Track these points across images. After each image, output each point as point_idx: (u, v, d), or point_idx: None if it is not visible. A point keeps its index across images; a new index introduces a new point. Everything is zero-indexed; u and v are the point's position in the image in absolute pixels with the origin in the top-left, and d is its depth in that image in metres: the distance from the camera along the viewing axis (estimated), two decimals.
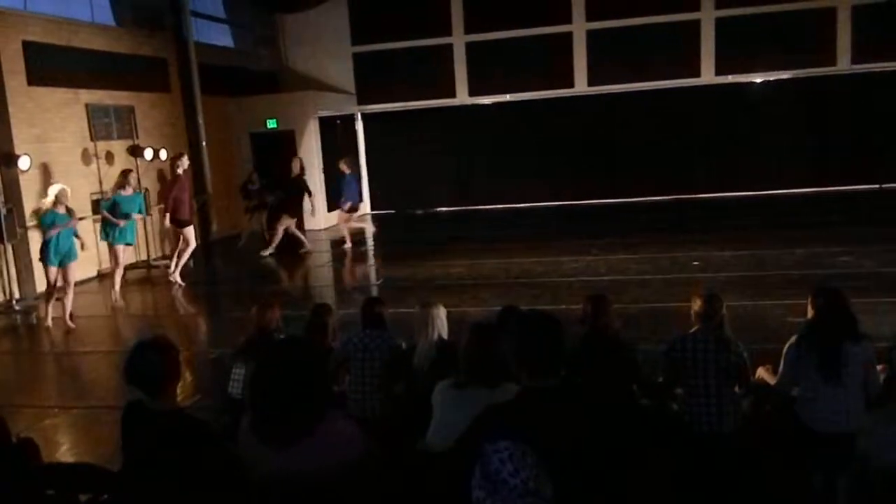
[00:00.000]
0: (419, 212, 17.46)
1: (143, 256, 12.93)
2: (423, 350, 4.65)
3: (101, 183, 12.06)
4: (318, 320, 4.98)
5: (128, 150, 12.74)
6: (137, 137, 12.97)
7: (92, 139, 12.07)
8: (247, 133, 15.74)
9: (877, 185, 15.43)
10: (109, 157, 12.44)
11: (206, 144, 14.13)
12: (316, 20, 17.12)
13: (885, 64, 14.92)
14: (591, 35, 15.97)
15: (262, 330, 4.79)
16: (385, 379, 4.58)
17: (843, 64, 15.15)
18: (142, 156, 12.63)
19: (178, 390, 3.27)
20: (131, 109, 12.97)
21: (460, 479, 2.14)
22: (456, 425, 2.71)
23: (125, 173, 10.47)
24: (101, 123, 12.27)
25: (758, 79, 15.76)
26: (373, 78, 17.17)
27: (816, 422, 4.04)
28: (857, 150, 15.38)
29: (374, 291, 9.90)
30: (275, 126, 15.59)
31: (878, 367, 4.11)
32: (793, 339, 4.27)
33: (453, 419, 3.11)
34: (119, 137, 12.69)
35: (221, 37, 16.85)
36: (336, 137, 16.60)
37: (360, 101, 17.39)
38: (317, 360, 2.45)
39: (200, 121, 14.08)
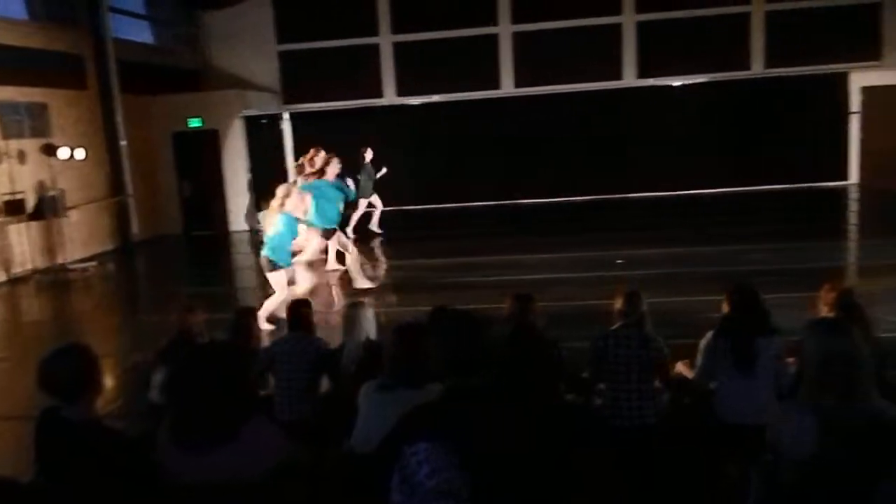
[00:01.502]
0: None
1: (59, 260, 12.47)
2: (350, 351, 4.63)
3: (12, 182, 11.58)
4: (241, 323, 4.90)
5: (41, 148, 12.25)
6: (52, 136, 12.49)
7: (3, 137, 11.57)
8: (169, 132, 15.34)
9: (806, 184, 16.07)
10: (21, 155, 11.95)
11: (126, 144, 13.74)
12: (239, 18, 16.82)
13: (796, 69, 15.56)
14: (517, 37, 16.16)
15: (184, 333, 4.69)
16: (311, 382, 4.54)
17: (757, 68, 15.75)
18: (55, 155, 12.16)
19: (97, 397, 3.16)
20: (45, 107, 12.49)
21: (382, 482, 2.13)
22: (381, 427, 2.70)
23: (328, 160, 9.41)
24: (12, 121, 11.77)
25: (677, 82, 16.22)
26: (299, 77, 16.97)
27: (731, 414, 4.19)
28: (769, 151, 15.98)
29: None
30: (198, 125, 15.25)
31: (789, 361, 4.27)
32: (709, 334, 4.43)
33: (378, 421, 3.10)
34: (32, 136, 12.19)
35: (141, 33, 16.38)
36: (262, 137, 16.33)
37: (287, 101, 17.17)
38: (236, 364, 2.41)
39: (119, 119, 13.67)
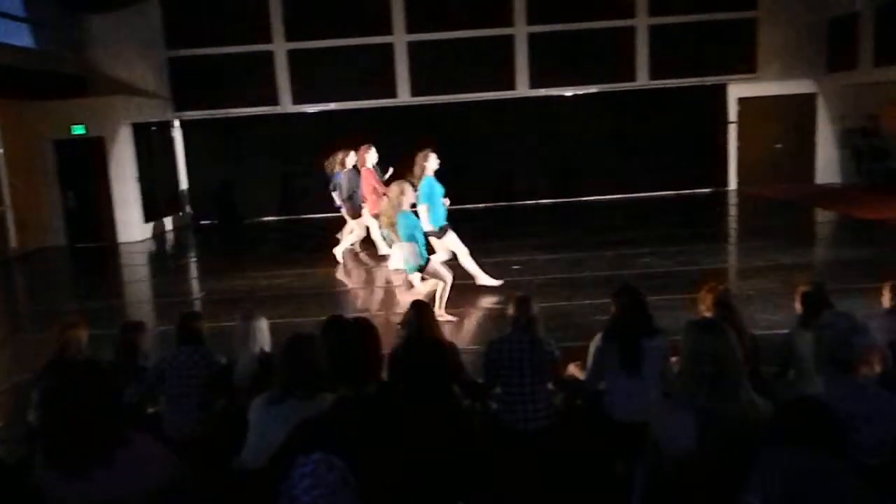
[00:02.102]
0: (243, 222, 16.96)
1: None
2: (244, 364, 4.55)
3: None
4: (126, 339, 4.72)
5: None
6: None
7: None
8: (50, 140, 14.60)
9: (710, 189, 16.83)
10: None
11: (3, 152, 13.02)
12: (126, 22, 16.18)
13: (678, 80, 16.31)
14: (413, 46, 16.24)
15: (64, 351, 4.48)
16: (204, 397, 4.43)
17: (643, 79, 16.40)
18: None
19: None
20: None
21: (271, 497, 2.10)
22: (271, 441, 2.67)
23: (426, 155, 8.63)
24: None
25: (568, 92, 16.70)
26: (190, 84, 16.47)
27: (620, 413, 4.34)
28: (656, 158, 16.66)
29: (196, 305, 9.51)
30: (82, 132, 14.58)
31: (673, 360, 4.47)
32: (598, 335, 4.59)
33: (269, 435, 3.04)
34: None
35: (20, 37, 15.52)
36: (151, 145, 15.79)
37: (178, 108, 16.64)
38: (109, 382, 2.33)
39: None
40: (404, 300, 7.86)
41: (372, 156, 10.91)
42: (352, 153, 11.11)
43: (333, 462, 2.07)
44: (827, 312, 3.44)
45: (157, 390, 4.50)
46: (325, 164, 11.58)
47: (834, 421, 2.59)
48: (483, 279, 8.91)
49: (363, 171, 10.83)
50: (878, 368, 4.38)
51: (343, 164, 11.16)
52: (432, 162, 8.63)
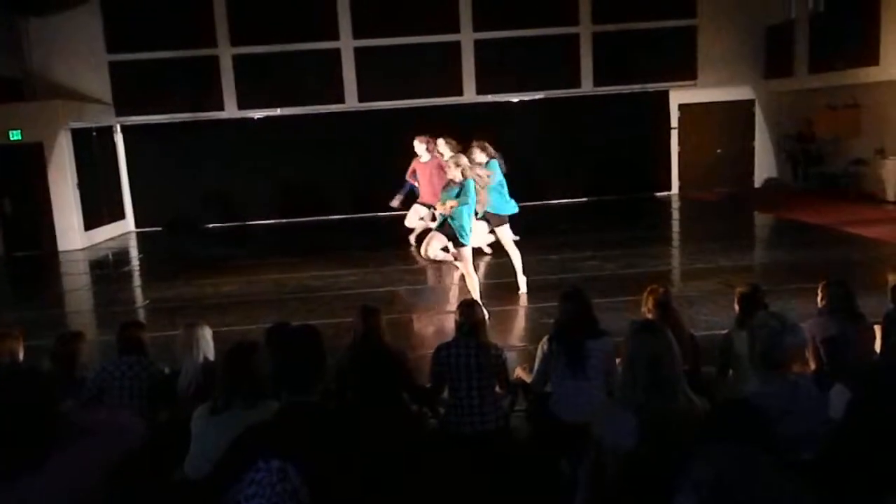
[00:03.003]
0: (188, 229, 16.67)
1: None
2: (187, 373, 4.48)
3: None
4: (64, 349, 4.61)
5: None
6: None
7: None
8: None
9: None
10: None
11: None
12: (66, 25, 15.78)
13: (621, 87, 16.59)
14: (360, 52, 16.20)
15: None
16: (147, 409, 4.35)
17: (587, 86, 16.63)
18: None
19: None
20: None
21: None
22: (214, 451, 2.64)
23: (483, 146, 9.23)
24: None
25: (514, 98, 16.84)
26: (133, 88, 16.12)
27: (566, 414, 4.41)
28: (601, 164, 16.91)
29: (139, 314, 9.32)
30: (18, 138, 14.16)
31: (617, 361, 4.56)
32: (545, 338, 4.66)
33: (211, 445, 3.01)
34: None
35: None
36: (92, 150, 15.42)
37: (120, 113, 16.28)
38: (41, 388, 2.29)
39: None
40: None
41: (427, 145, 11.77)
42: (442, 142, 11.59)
43: (289, 473, 2.06)
44: (761, 313, 3.54)
45: (97, 401, 4.40)
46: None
47: (764, 418, 2.67)
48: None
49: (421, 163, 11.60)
50: (811, 366, 4.53)
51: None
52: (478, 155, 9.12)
